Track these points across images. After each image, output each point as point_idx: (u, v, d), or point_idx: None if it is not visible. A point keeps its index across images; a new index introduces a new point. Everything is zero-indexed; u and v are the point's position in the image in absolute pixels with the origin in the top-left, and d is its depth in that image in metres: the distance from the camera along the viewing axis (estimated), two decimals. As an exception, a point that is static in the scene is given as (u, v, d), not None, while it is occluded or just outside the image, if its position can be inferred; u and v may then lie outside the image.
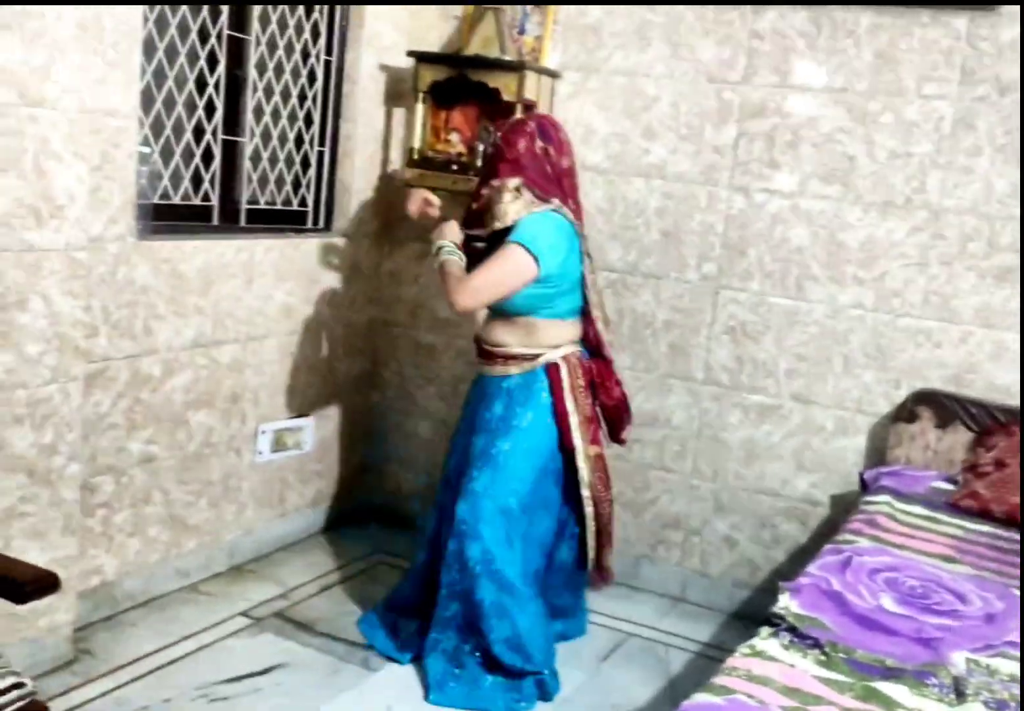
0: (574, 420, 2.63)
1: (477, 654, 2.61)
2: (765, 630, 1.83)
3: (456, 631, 2.61)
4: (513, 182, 2.56)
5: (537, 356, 2.63)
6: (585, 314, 2.71)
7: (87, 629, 2.74)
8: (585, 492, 2.68)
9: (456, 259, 2.60)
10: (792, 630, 1.82)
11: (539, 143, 2.59)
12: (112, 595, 2.85)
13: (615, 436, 2.82)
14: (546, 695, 2.62)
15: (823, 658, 1.74)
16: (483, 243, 2.70)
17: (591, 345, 2.73)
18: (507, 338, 2.67)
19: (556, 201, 2.59)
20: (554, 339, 2.65)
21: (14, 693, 1.55)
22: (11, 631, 2.41)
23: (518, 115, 3.02)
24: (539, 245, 2.50)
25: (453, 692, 2.58)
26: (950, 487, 2.78)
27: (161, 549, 3.00)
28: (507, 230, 2.55)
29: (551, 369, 2.63)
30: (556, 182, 2.60)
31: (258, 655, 2.72)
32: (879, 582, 2.08)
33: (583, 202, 2.84)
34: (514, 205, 2.55)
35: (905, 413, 2.97)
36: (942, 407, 2.92)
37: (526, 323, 2.64)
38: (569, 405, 2.62)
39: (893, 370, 3.06)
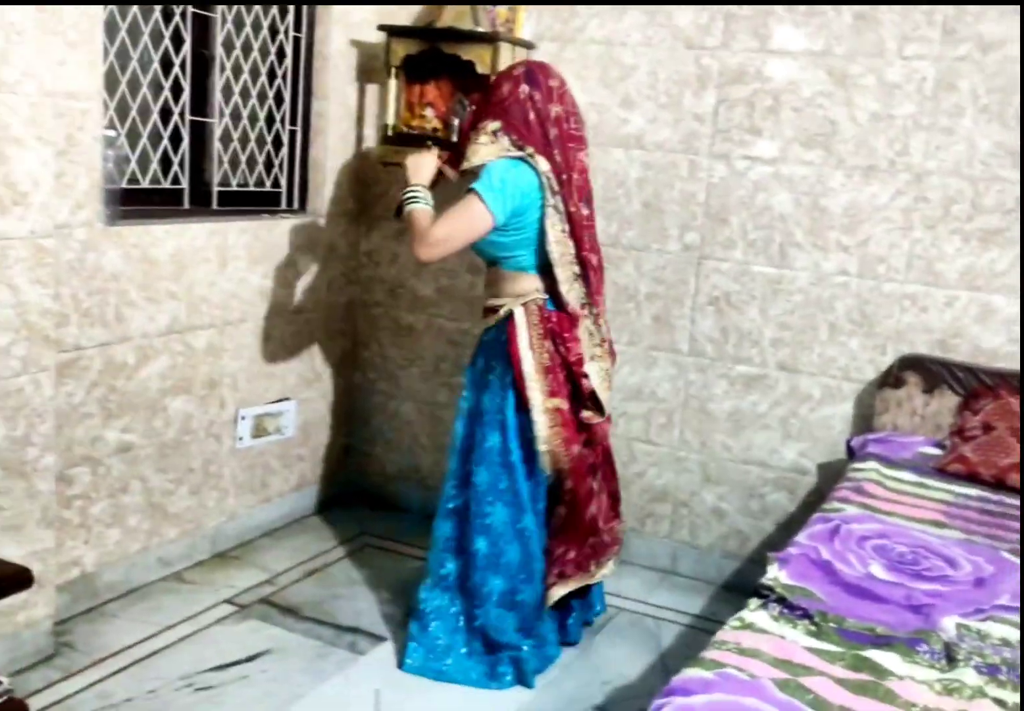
0: (528, 368, 2.52)
1: (462, 619, 2.60)
2: (754, 602, 1.80)
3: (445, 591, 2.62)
4: (492, 125, 2.50)
5: (501, 307, 2.59)
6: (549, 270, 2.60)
7: (68, 622, 2.70)
8: (542, 447, 2.54)
9: (422, 206, 2.50)
10: (781, 601, 1.79)
11: (524, 88, 2.50)
12: (92, 587, 2.81)
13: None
14: (522, 675, 2.58)
15: (813, 628, 1.71)
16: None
17: (557, 301, 2.61)
18: (485, 290, 2.69)
19: (531, 149, 2.49)
20: (518, 290, 2.58)
21: (-13, 690, 1.51)
22: (-11, 626, 2.37)
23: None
24: (494, 193, 2.42)
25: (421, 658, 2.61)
26: (938, 452, 2.75)
27: (142, 539, 2.95)
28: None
29: (510, 317, 2.57)
30: (539, 129, 2.50)
31: (244, 642, 2.69)
32: (868, 550, 2.06)
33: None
34: (486, 148, 2.48)
35: (891, 379, 2.94)
36: (928, 372, 2.89)
37: (495, 274, 2.63)
38: (523, 352, 2.53)
39: (879, 336, 3.03)
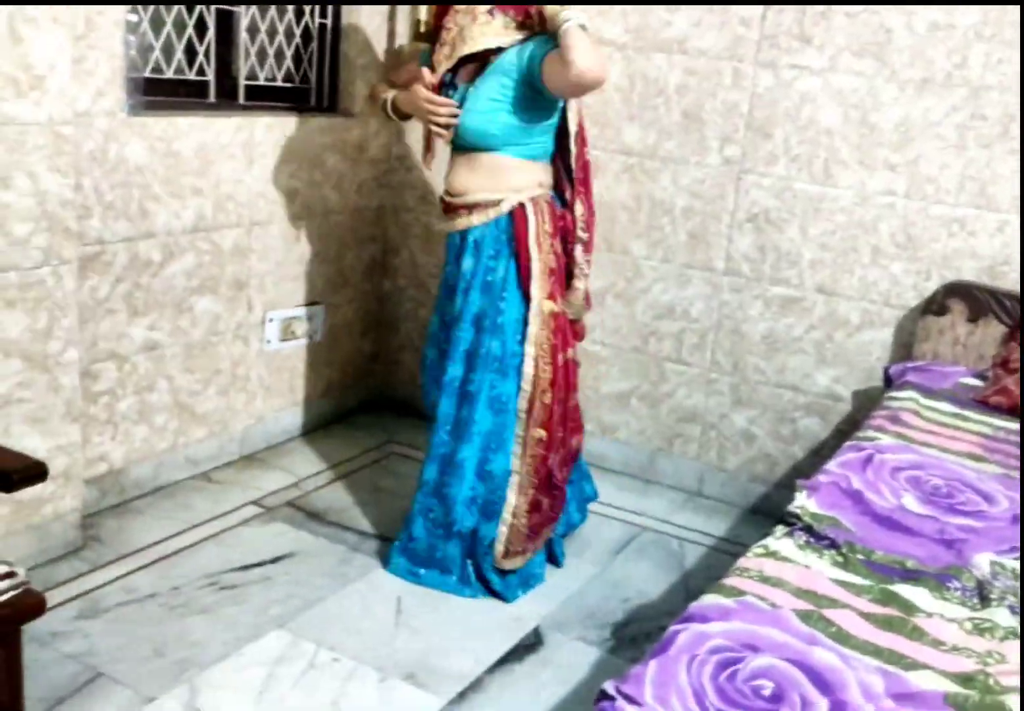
0: (536, 267, 2.41)
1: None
2: (780, 529, 1.76)
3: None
4: (481, 7, 2.35)
5: (500, 201, 2.41)
6: (554, 161, 2.50)
7: (95, 516, 2.73)
8: (529, 348, 2.43)
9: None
10: (808, 530, 1.75)
11: None
12: (120, 483, 2.83)
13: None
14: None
15: (840, 559, 1.68)
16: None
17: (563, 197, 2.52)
18: (469, 183, 2.44)
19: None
20: (520, 181, 2.41)
21: (5, 582, 1.51)
22: (17, 518, 2.39)
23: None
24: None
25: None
26: (979, 383, 2.67)
27: (169, 437, 2.96)
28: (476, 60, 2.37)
29: (516, 212, 2.41)
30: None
31: (268, 544, 2.71)
32: (901, 481, 2.01)
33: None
34: (488, 27, 2.34)
35: (935, 306, 2.84)
36: (974, 299, 2.79)
37: (491, 163, 2.40)
38: (532, 251, 2.40)
39: (923, 261, 2.92)
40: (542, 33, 2.30)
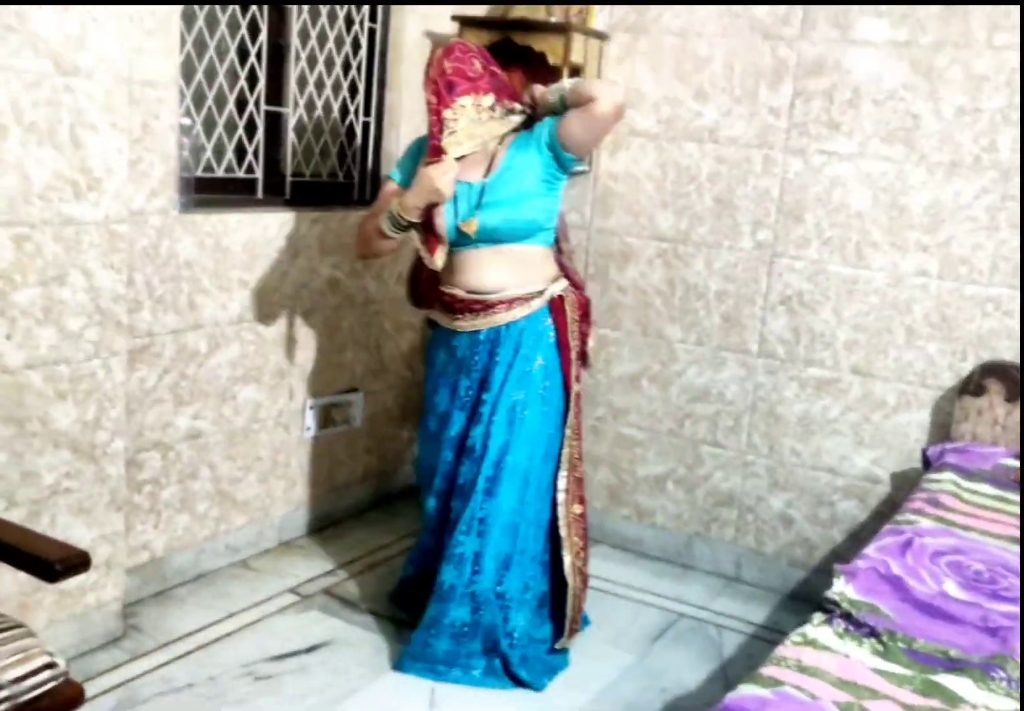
0: (572, 355, 2.50)
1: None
2: (818, 617, 1.74)
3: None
4: (486, 100, 2.41)
5: (543, 292, 2.44)
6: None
7: (136, 605, 2.75)
8: (567, 431, 2.51)
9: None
10: (847, 617, 1.73)
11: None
12: (161, 571, 2.86)
13: (586, 360, 2.65)
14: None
15: (880, 648, 1.65)
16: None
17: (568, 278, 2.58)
18: (505, 278, 2.42)
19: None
20: (550, 270, 2.49)
21: (46, 673, 1.54)
22: (60, 607, 2.42)
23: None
24: None
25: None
26: (1019, 464, 2.64)
27: (210, 525, 3.00)
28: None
29: (555, 302, 2.46)
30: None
31: (304, 633, 2.71)
32: (942, 566, 1.98)
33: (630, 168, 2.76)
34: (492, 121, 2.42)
35: (972, 386, 2.83)
36: (1011, 379, 2.77)
37: (523, 254, 2.43)
38: (570, 340, 2.49)
39: (959, 341, 2.92)
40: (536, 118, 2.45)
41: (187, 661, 2.52)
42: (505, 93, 2.47)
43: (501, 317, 2.43)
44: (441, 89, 2.37)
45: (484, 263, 2.42)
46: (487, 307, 2.43)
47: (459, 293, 2.46)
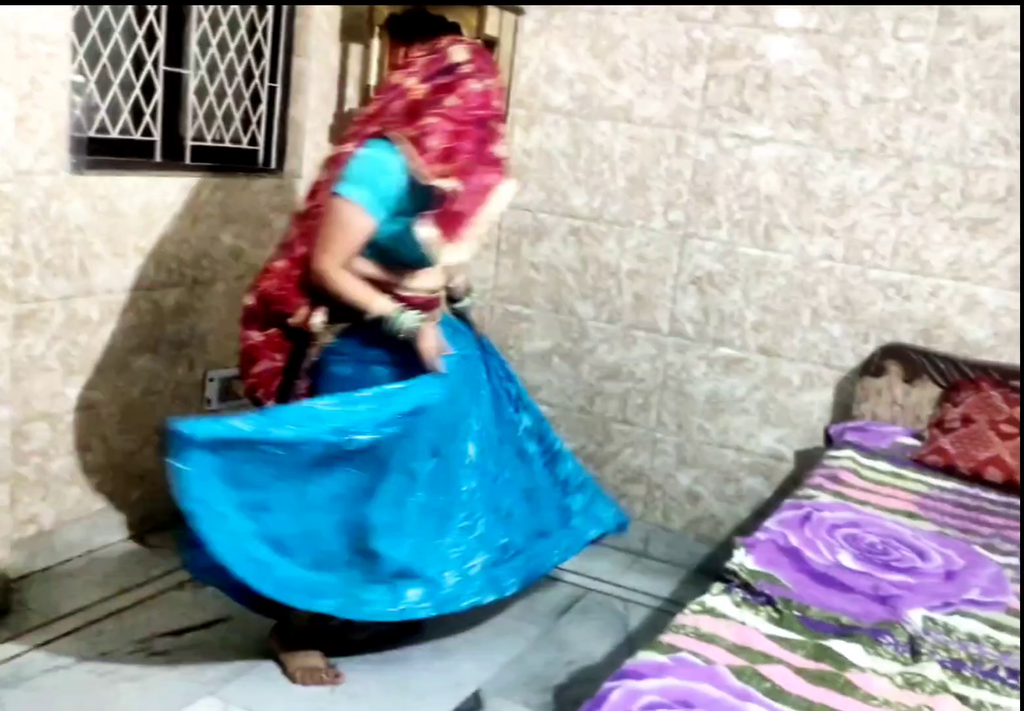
0: None
1: None
2: (717, 586, 1.75)
3: None
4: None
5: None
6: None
7: (23, 580, 2.63)
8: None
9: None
10: (745, 586, 1.74)
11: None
12: (50, 544, 2.74)
13: None
14: None
15: (776, 615, 1.67)
16: None
17: None
18: (440, 278, 2.44)
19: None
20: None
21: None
22: (-65, 582, 2.30)
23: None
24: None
25: None
26: (916, 443, 2.71)
27: (103, 499, 2.88)
28: None
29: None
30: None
31: (202, 609, 2.63)
32: (838, 538, 2.01)
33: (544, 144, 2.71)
34: None
35: (873, 367, 2.90)
36: (910, 362, 2.84)
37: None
38: None
39: (862, 323, 2.98)
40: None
41: (77, 637, 2.43)
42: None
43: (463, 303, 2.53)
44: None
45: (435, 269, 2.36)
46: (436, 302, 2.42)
47: (424, 294, 2.36)
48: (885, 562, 1.93)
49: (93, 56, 2.67)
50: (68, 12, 2.45)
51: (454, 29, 3.04)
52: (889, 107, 2.88)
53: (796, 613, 1.68)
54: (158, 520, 3.07)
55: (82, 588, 2.66)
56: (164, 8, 2.81)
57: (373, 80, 3.20)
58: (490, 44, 3.10)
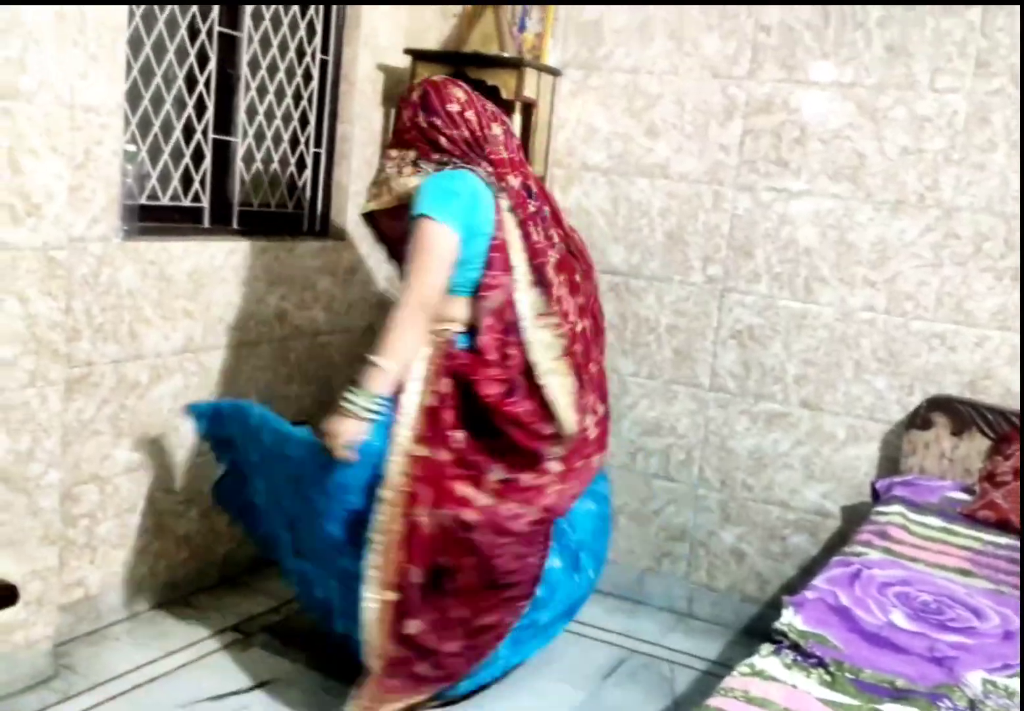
0: (411, 402, 2.25)
1: None
2: (766, 647, 1.71)
3: None
4: (410, 155, 2.37)
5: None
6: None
7: (69, 644, 2.65)
8: (384, 493, 2.18)
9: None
10: (795, 647, 1.70)
11: (421, 117, 2.39)
12: (96, 608, 2.76)
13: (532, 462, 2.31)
14: None
15: (827, 678, 1.62)
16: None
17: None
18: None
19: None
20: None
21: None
22: (-15, 645, 2.33)
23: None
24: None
25: None
26: (966, 497, 2.65)
27: (149, 561, 2.90)
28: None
29: None
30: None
31: (246, 672, 2.62)
32: (890, 597, 1.96)
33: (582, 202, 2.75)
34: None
35: (919, 420, 2.85)
36: (957, 414, 2.80)
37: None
38: (413, 385, 2.26)
39: (906, 375, 2.94)
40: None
41: (121, 702, 2.43)
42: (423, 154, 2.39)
43: None
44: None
45: None
46: None
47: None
48: (940, 622, 1.87)
49: (145, 126, 2.77)
50: (122, 83, 2.55)
51: (493, 92, 3.11)
52: (927, 158, 2.88)
53: (849, 675, 1.63)
54: (202, 582, 3.09)
55: (127, 651, 2.67)
56: (214, 78, 2.91)
57: (413, 143, 3.26)
58: (528, 106, 3.17)
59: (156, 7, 2.72)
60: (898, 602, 1.94)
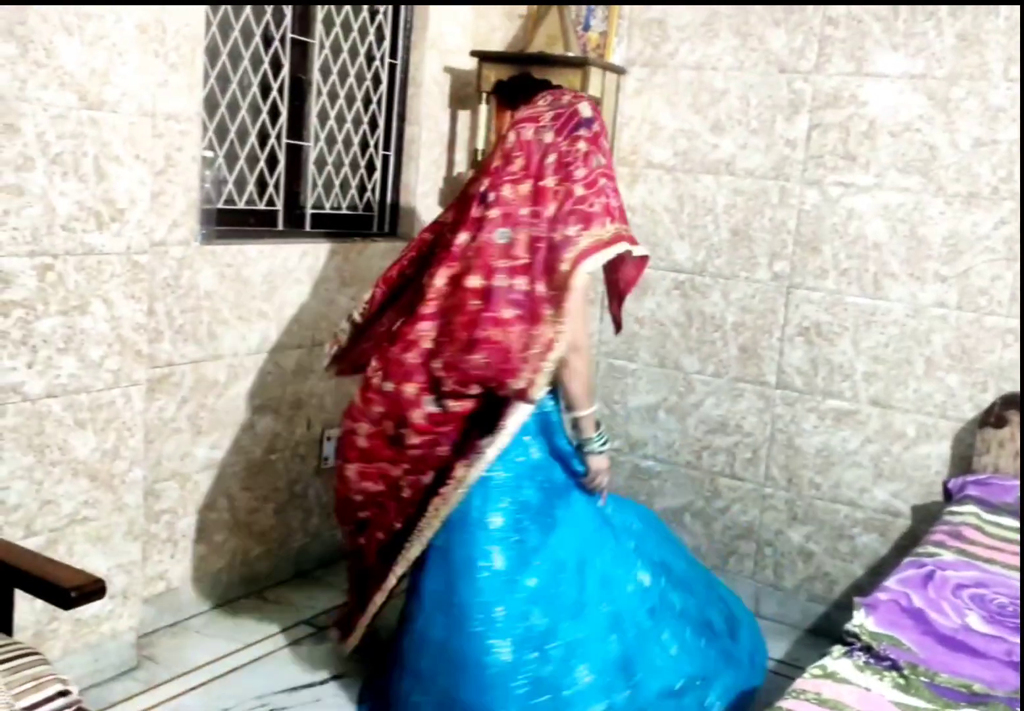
0: None
1: None
2: (838, 649, 1.71)
3: None
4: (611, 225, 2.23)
5: None
6: None
7: (152, 635, 2.74)
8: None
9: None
10: (867, 649, 1.70)
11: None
12: (177, 601, 2.86)
13: None
14: None
15: (901, 681, 1.62)
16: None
17: None
18: None
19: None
20: None
21: (60, 701, 1.53)
22: (75, 637, 2.42)
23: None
24: None
25: None
26: (1043, 497, 2.61)
27: (227, 556, 2.99)
28: None
29: None
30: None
31: (319, 665, 2.69)
32: (965, 599, 1.95)
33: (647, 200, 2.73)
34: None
35: (993, 418, 2.81)
36: (1034, 411, 2.75)
37: None
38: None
39: (979, 372, 2.89)
40: None
41: (201, 692, 2.51)
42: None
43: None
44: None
45: None
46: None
47: None
48: (1017, 625, 1.85)
49: (222, 132, 2.85)
50: (199, 91, 2.63)
51: (558, 92, 3.13)
52: (1001, 149, 2.82)
53: (924, 679, 1.63)
54: (277, 577, 3.17)
55: (206, 643, 2.75)
56: (287, 84, 2.98)
57: (481, 144, 3.31)
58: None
59: (232, 16, 2.79)
60: (973, 604, 1.93)
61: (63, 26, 2.14)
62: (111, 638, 2.52)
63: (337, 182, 3.28)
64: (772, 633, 3.10)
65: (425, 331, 2.21)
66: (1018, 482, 2.70)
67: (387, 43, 3.34)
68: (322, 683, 2.60)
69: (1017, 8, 2.75)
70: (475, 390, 2.16)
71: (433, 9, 3.35)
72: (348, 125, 3.27)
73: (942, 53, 2.86)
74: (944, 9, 2.84)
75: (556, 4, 3.23)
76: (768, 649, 2.96)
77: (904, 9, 2.88)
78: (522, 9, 3.42)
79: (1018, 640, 1.79)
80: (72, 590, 1.56)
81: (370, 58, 3.31)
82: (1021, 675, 1.64)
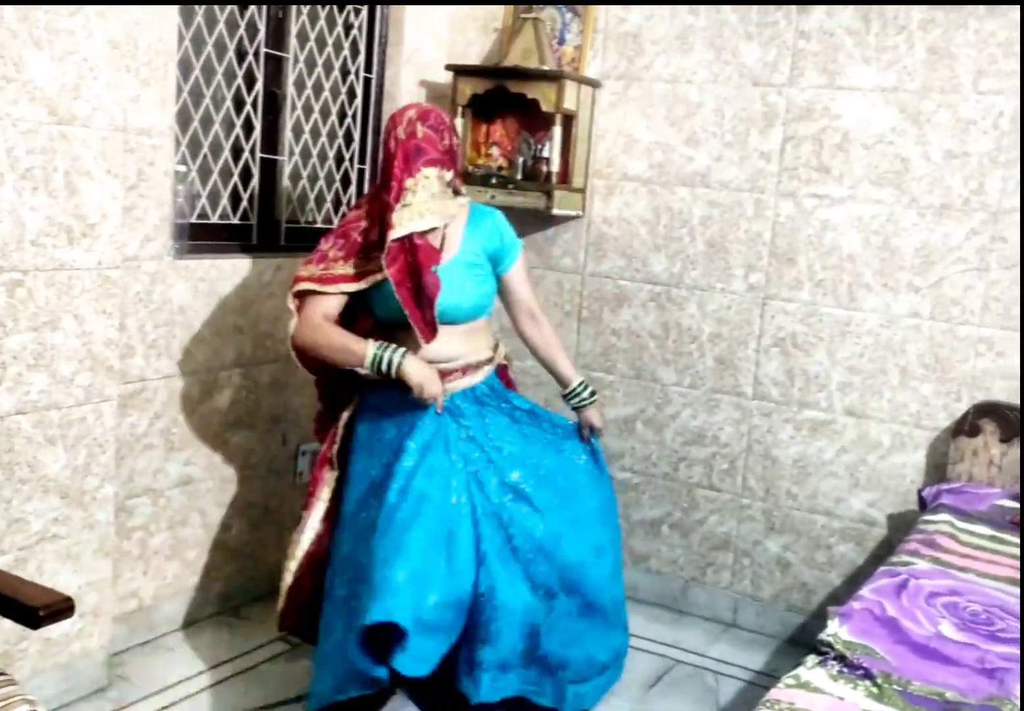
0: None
1: None
2: (812, 659, 1.71)
3: None
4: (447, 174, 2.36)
5: (491, 359, 2.49)
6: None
7: (124, 654, 2.71)
8: None
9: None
10: (841, 659, 1.70)
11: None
12: (149, 619, 2.82)
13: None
14: None
15: (875, 690, 1.62)
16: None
17: None
18: (456, 349, 2.40)
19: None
20: (492, 338, 2.57)
21: (26, 721, 1.51)
22: (44, 657, 2.39)
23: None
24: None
25: None
26: (1015, 505, 2.62)
27: (200, 572, 2.96)
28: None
29: (502, 371, 2.59)
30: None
31: (295, 682, 2.66)
32: (938, 607, 1.95)
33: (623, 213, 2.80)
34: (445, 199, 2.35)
35: (967, 427, 2.82)
36: (1006, 420, 2.76)
37: (469, 328, 2.43)
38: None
39: (953, 381, 2.91)
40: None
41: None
42: (458, 175, 2.47)
43: (459, 383, 2.41)
44: (409, 153, 2.27)
45: (439, 337, 2.33)
46: (445, 375, 2.37)
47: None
48: (990, 633, 1.86)
49: (195, 146, 2.83)
50: (172, 106, 2.62)
51: (534, 105, 3.14)
52: (972, 161, 2.85)
53: (897, 688, 1.63)
54: (252, 593, 3.14)
55: (179, 661, 2.72)
56: (261, 99, 2.97)
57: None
58: (568, 118, 3.20)
59: (205, 31, 2.79)
60: (947, 612, 1.93)
61: (32, 41, 2.13)
62: (82, 657, 2.48)
63: (312, 196, 3.27)
64: (750, 644, 3.11)
65: None
66: (992, 490, 2.71)
67: (362, 57, 3.34)
68: (297, 700, 2.57)
69: (985, 22, 2.79)
70: None
71: (409, 23, 3.36)
72: (323, 139, 3.27)
73: (913, 66, 2.89)
74: (915, 23, 2.87)
75: (530, 14, 3.24)
76: (744, 659, 2.96)
77: (876, 23, 2.91)
78: (498, 23, 3.43)
79: (991, 648, 1.79)
80: (40, 609, 1.54)
81: (345, 72, 3.31)
82: (1022, 680, 1.64)
